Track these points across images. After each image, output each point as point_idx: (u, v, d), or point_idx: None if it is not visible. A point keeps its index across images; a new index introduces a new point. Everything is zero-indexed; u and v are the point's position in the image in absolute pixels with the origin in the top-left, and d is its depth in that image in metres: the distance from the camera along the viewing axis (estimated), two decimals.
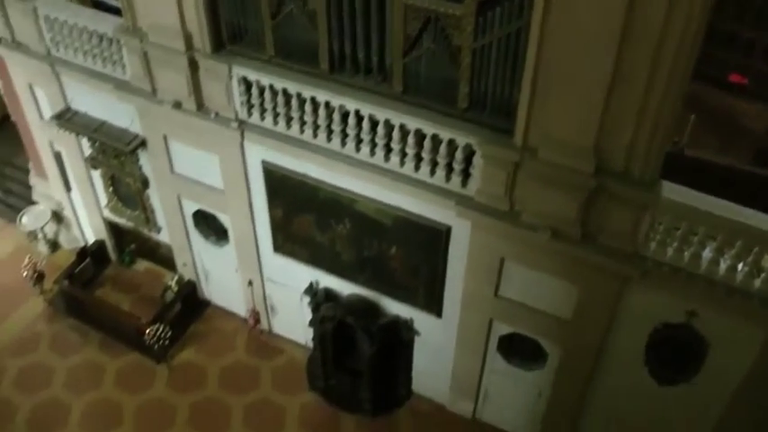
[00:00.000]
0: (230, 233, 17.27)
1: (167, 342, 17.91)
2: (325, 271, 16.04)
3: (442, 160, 12.41)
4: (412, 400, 17.32)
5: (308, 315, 16.70)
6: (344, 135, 13.22)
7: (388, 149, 12.89)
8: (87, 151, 17.90)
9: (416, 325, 15.68)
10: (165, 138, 16.00)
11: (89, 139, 17.19)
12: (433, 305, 14.99)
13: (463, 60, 11.34)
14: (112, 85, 15.49)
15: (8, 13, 16.42)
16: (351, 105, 12.68)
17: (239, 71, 13.57)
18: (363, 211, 14.22)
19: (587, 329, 13.13)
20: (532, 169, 11.44)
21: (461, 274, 13.98)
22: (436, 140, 12.22)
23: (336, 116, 12.99)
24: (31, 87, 17.96)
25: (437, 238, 13.67)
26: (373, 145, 12.99)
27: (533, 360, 14.88)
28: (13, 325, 19.71)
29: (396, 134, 12.53)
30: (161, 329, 17.69)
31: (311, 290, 16.51)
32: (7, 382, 18.36)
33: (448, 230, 13.48)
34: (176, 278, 19.48)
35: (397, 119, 12.34)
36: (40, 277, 19.81)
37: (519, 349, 14.88)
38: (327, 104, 12.95)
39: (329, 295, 16.34)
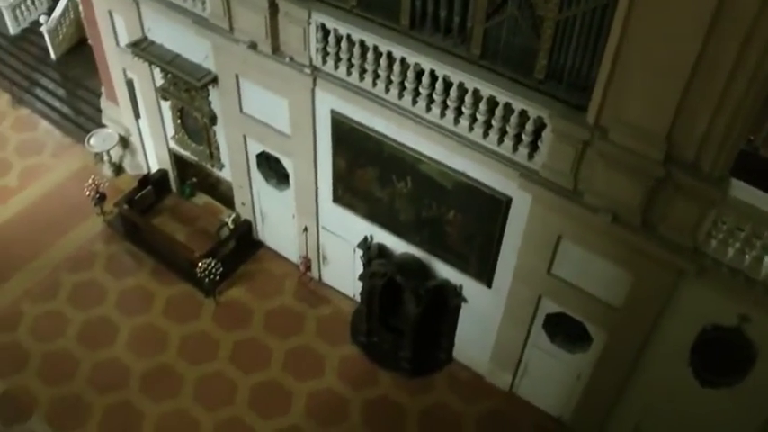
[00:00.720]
0: (291, 178, 17.59)
1: (218, 278, 18.46)
2: (381, 227, 16.28)
3: (511, 130, 12.45)
4: (451, 365, 17.59)
5: (359, 269, 17.02)
6: (416, 93, 13.32)
7: (459, 113, 12.96)
8: (159, 82, 18.36)
9: (465, 292, 15.87)
10: (236, 77, 16.31)
11: (162, 70, 17.62)
12: (484, 274, 15.14)
13: (545, 31, 11.30)
14: (191, 19, 15.83)
15: None
16: (426, 65, 12.74)
17: (318, 18, 13.71)
18: (426, 171, 14.36)
19: (636, 319, 13.14)
20: (601, 150, 11.41)
21: (516, 247, 14.08)
22: (508, 109, 12.25)
23: (411, 74, 13.08)
24: (110, 14, 18.43)
25: (497, 207, 13.77)
26: (444, 107, 13.06)
27: (577, 342, 14.96)
28: (72, 241, 20.53)
29: (468, 98, 12.59)
30: (213, 264, 18.22)
31: (365, 244, 16.79)
32: (62, 296, 19.24)
33: (508, 201, 13.57)
34: (233, 216, 19.97)
35: (471, 83, 12.38)
36: (101, 198, 20.55)
37: (564, 329, 14.97)
38: (403, 61, 13.03)
39: (382, 251, 16.59)
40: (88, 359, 17.88)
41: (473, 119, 12.80)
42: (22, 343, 18.25)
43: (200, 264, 18.21)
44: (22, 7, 26.79)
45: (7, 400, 17.21)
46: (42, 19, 25.03)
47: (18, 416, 16.93)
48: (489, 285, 15.29)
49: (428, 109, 13.28)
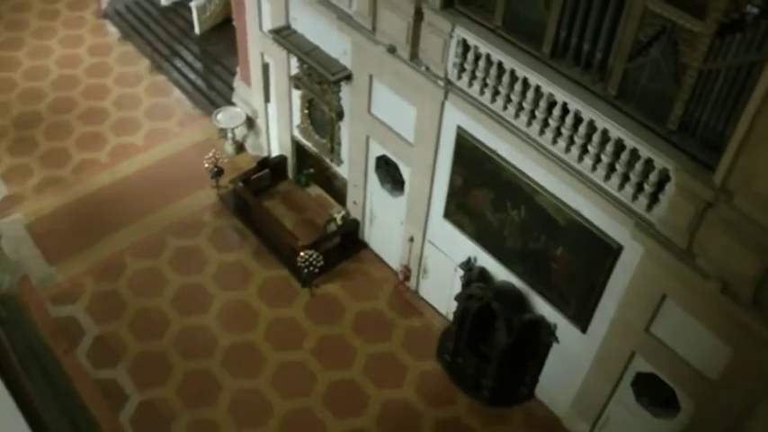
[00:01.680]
0: (407, 186, 17.96)
1: (317, 270, 19.02)
2: (486, 250, 16.44)
3: (634, 177, 12.39)
4: (531, 402, 17.58)
5: (457, 288, 17.22)
6: (545, 124, 13.43)
7: (584, 150, 12.99)
8: (294, 71, 19.09)
9: (558, 332, 15.87)
10: (370, 77, 16.81)
11: (299, 59, 18.31)
12: (581, 318, 15.11)
13: (686, 80, 11.22)
14: (336, 14, 16.43)
15: None
16: (560, 96, 12.84)
17: (461, 33, 13.97)
18: (541, 203, 14.46)
19: (730, 396, 12.78)
20: (723, 214, 11.26)
21: (618, 297, 13.98)
22: (634, 155, 12.21)
23: (543, 103, 13.21)
24: None
25: (606, 253, 13.73)
26: (570, 141, 13.13)
27: (664, 407, 14.63)
28: (184, 208, 21.61)
29: (596, 137, 12.62)
30: (315, 256, 18.79)
31: (467, 264, 16.97)
32: (164, 257, 20.32)
33: (619, 249, 13.49)
34: (343, 213, 20.53)
35: (601, 122, 12.41)
36: (219, 172, 21.51)
37: (652, 391, 14.72)
38: (538, 89, 13.17)
39: (483, 275, 16.75)
40: (178, 322, 18.81)
41: (597, 158, 12.83)
42: (121, 293, 19.41)
43: (302, 253, 18.81)
44: None
45: (99, 343, 18.36)
46: None
47: (106, 361, 18.03)
48: (584, 330, 15.24)
49: (554, 141, 13.38)
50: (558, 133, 13.30)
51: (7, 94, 25.40)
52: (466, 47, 14.14)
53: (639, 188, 12.50)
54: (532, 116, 13.57)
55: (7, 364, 6.11)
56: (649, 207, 12.47)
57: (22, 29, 28.20)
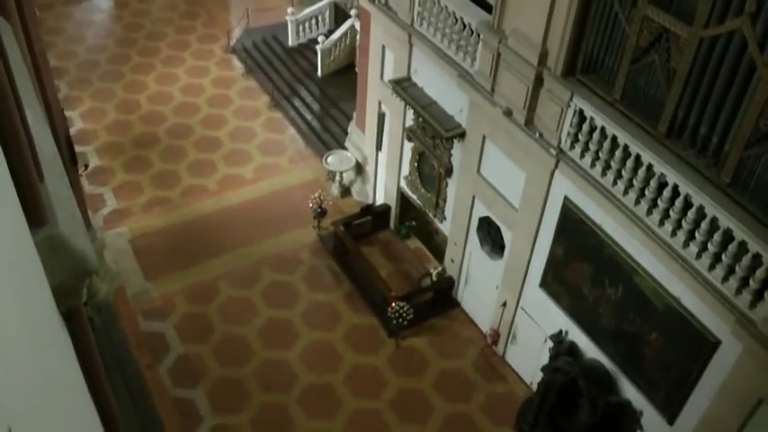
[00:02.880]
0: (506, 250, 18.13)
1: (406, 322, 19.29)
2: (579, 325, 16.40)
3: (740, 270, 12.22)
4: None
5: (545, 359, 17.17)
6: (653, 204, 13.45)
7: (691, 236, 12.93)
8: (409, 122, 19.66)
9: (644, 419, 15.57)
10: (483, 137, 17.19)
11: (415, 112, 18.87)
12: (670, 409, 14.80)
13: None
14: (457, 72, 16.94)
15: None
16: (672, 178, 12.88)
17: (579, 103, 14.24)
18: (640, 285, 14.39)
19: None
20: None
21: (711, 393, 13.65)
22: (742, 248, 12.08)
23: (653, 182, 13.25)
24: (383, 48, 20.06)
25: (703, 345, 13.48)
26: (677, 226, 13.08)
27: None
28: (283, 243, 22.33)
29: (704, 224, 12.55)
30: (405, 308, 19.09)
31: (558, 337, 16.95)
32: (257, 289, 21.02)
33: (716, 343, 13.22)
34: (439, 269, 20.82)
35: (711, 210, 12.37)
36: (322, 213, 22.18)
37: None
38: (650, 168, 13.25)
39: (572, 350, 16.68)
40: (262, 354, 19.37)
41: (703, 246, 12.72)
42: (210, 317, 20.15)
43: (393, 304, 19.14)
44: (306, 24, 29.68)
45: (182, 362, 19.08)
46: (320, 39, 27.66)
47: (186, 380, 18.71)
48: (671, 422, 14.91)
49: (661, 223, 13.37)
50: (665, 215, 13.29)
51: (131, 114, 26.94)
52: (582, 117, 14.37)
53: (744, 283, 12.30)
54: (641, 195, 13.62)
55: (93, 368, 6.57)
56: (753, 304, 12.24)
57: (154, 56, 29.99)
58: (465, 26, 16.76)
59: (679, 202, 12.90)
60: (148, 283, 20.90)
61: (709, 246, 12.61)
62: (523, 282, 17.76)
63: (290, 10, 29.74)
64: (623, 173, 13.84)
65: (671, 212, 13.13)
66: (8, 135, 4.17)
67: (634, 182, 13.66)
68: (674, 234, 13.19)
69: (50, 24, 31.30)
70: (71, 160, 15.19)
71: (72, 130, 22.58)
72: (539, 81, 14.91)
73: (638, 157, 13.43)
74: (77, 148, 17.89)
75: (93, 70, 29.14)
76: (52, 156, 5.86)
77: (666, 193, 13.08)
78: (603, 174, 14.28)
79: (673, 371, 14.42)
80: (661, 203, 13.27)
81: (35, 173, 4.67)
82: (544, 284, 17.07)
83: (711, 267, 12.71)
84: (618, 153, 13.81)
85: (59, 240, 4.83)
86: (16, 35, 8.59)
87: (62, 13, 32.67)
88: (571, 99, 14.35)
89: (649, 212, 13.55)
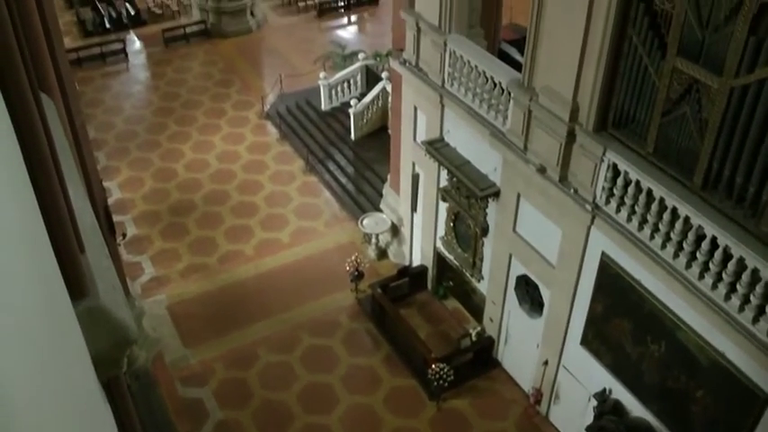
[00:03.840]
0: (546, 308, 18.07)
1: (446, 384, 19.19)
2: (623, 383, 16.22)
3: None
4: None
5: (589, 418, 16.99)
6: (692, 257, 13.39)
7: (732, 288, 12.81)
8: (443, 183, 19.83)
9: None
10: (518, 195, 17.29)
11: (449, 172, 19.04)
12: None
13: None
14: (489, 131, 17.14)
15: (420, 40, 18.82)
16: (710, 230, 12.84)
17: (612, 157, 14.32)
18: (684, 340, 14.25)
19: None
20: None
21: None
22: None
23: (691, 235, 13.21)
24: (415, 110, 20.37)
25: (751, 402, 13.25)
26: (718, 278, 12.98)
27: None
28: (321, 307, 22.46)
29: (745, 276, 12.46)
30: (446, 370, 19.02)
31: (602, 396, 16.76)
32: (296, 353, 21.11)
33: (766, 400, 13.03)
34: (478, 329, 20.76)
35: (751, 261, 12.28)
36: (359, 276, 22.29)
37: None
38: (687, 220, 13.23)
39: (617, 408, 16.46)
40: (302, 419, 19.38)
41: (746, 299, 12.62)
42: (249, 383, 20.22)
43: (434, 366, 19.08)
44: (338, 88, 30.22)
45: (221, 429, 19.14)
46: (353, 102, 28.11)
47: None
48: None
49: (701, 276, 13.28)
50: (705, 268, 13.21)
51: (168, 182, 27.47)
52: (616, 171, 14.42)
53: None
54: (680, 248, 13.57)
55: None
56: None
57: (191, 124, 30.67)
58: (495, 85, 17.01)
59: (718, 255, 12.82)
60: (187, 349, 21.09)
61: (751, 298, 12.49)
62: (564, 340, 17.65)
63: (322, 75, 30.32)
64: (660, 226, 13.83)
65: (710, 265, 13.04)
66: (51, 210, 4.35)
67: (671, 235, 13.63)
68: (714, 287, 13.09)
69: (90, 97, 32.19)
70: (109, 230, 15.53)
71: (110, 200, 23.12)
72: (571, 137, 15.05)
73: (674, 210, 13.43)
74: (115, 218, 18.31)
75: (130, 140, 29.84)
76: (92, 227, 6.05)
77: (705, 245, 13.02)
78: (640, 228, 14.27)
79: (721, 429, 14.17)
80: (700, 256, 13.20)
81: (76, 245, 4.84)
82: (585, 342, 16.95)
83: (755, 320, 12.57)
84: (654, 206, 13.82)
85: (100, 312, 4.97)
86: (58, 110, 8.90)
87: (101, 86, 33.61)
88: (604, 154, 14.44)
89: (688, 266, 13.47)
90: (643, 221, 14.21)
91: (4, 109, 3.42)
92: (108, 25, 38.36)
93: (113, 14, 38.98)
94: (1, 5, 3.46)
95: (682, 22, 12.42)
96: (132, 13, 39.22)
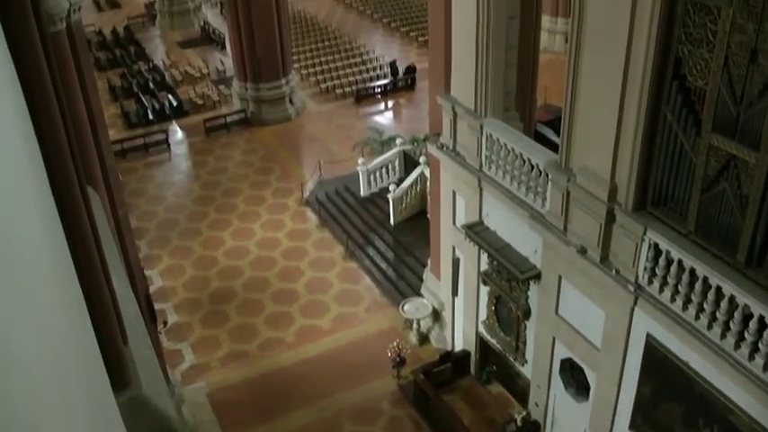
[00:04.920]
0: (592, 392, 17.80)
1: None
2: None
3: None
4: None
5: None
6: (740, 337, 13.18)
7: None
8: (483, 266, 19.85)
9: None
10: (559, 277, 17.25)
11: (489, 256, 19.10)
12: None
13: None
14: (528, 213, 17.24)
15: (457, 125, 19.14)
16: (756, 309, 12.67)
17: (653, 236, 14.28)
18: (737, 424, 13.88)
19: None
20: None
21: None
22: None
23: (737, 314, 13.04)
24: (454, 194, 20.59)
25: None
26: None
27: None
28: (363, 394, 22.35)
29: None
30: None
31: None
32: None
33: None
34: (524, 414, 20.48)
35: None
36: (401, 362, 22.22)
37: None
38: (732, 299, 13.08)
39: None
40: None
41: None
42: None
43: None
44: (377, 174, 30.65)
45: None
46: (391, 187, 28.48)
47: None
48: None
49: (751, 357, 13.04)
50: (754, 348, 12.98)
51: (208, 270, 27.83)
52: (657, 251, 14.36)
53: None
54: (726, 328, 13.37)
55: None
56: None
57: (231, 212, 31.22)
58: (533, 167, 17.18)
59: (767, 334, 12.67)
60: None
61: None
62: (612, 424, 17.31)
63: (360, 160, 30.83)
64: (705, 306, 13.65)
65: (760, 345, 12.83)
66: (96, 301, 4.53)
67: (717, 315, 13.45)
68: (766, 368, 12.86)
69: (133, 187, 33.01)
70: (151, 318, 15.77)
71: (151, 288, 23.40)
72: (611, 217, 15.07)
73: (718, 289, 13.29)
74: (156, 306, 18.57)
75: (171, 229, 30.41)
76: (135, 317, 6.23)
77: (753, 324, 12.82)
78: (685, 308, 14.12)
79: None
80: (748, 336, 12.97)
81: (120, 337, 5.00)
82: (634, 426, 16.62)
83: None
84: (697, 286, 13.68)
85: (142, 401, 5.10)
86: (102, 203, 9.22)
87: (144, 176, 34.50)
88: (645, 233, 14.41)
89: (737, 346, 13.25)
90: (687, 301, 14.06)
91: (54, 207, 3.62)
92: (151, 116, 39.59)
93: (156, 106, 40.22)
94: (53, 108, 3.69)
95: (715, 98, 12.56)
96: (174, 104, 40.41)
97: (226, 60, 45.03)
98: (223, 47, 48.33)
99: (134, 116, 39.68)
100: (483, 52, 17.92)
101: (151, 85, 43.03)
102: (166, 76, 44.85)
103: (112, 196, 11.90)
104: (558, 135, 16.57)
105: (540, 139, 19.66)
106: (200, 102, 40.96)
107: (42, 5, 9.23)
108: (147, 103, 40.47)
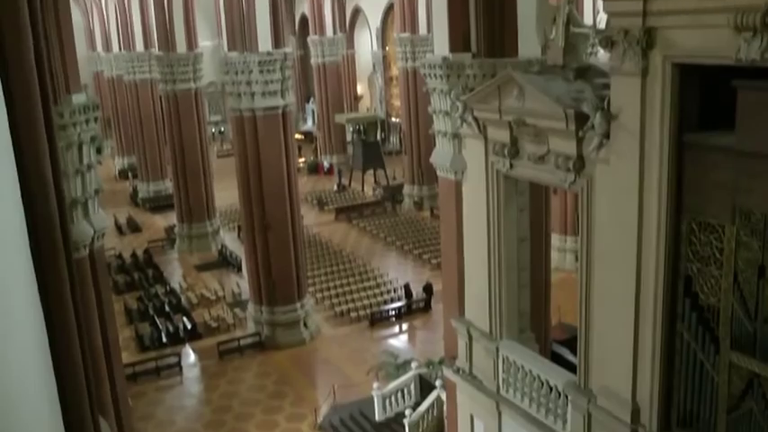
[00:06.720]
0: None
1: None
2: None
3: None
4: None
5: None
6: None
7: None
8: None
9: None
10: None
11: None
12: None
13: None
14: None
15: (472, 347, 19.21)
16: None
17: None
18: None
19: None
20: None
21: None
22: None
23: None
24: (471, 418, 20.21)
25: None
26: None
27: None
28: None
29: None
30: None
31: None
32: None
33: None
34: None
35: None
36: None
37: None
38: None
39: None
40: None
41: None
42: None
43: None
44: (392, 398, 30.31)
45: None
46: (407, 412, 28.04)
47: None
48: None
49: None
50: None
51: None
52: None
53: None
54: None
55: None
56: None
57: None
58: (551, 388, 17.01)
59: None
60: None
61: None
62: None
63: (375, 385, 30.54)
64: None
65: None
66: None
67: None
68: None
69: (141, 411, 32.56)
70: None
71: None
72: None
73: None
74: None
75: None
76: None
77: None
78: None
79: None
80: None
81: None
82: None
83: None
84: None
85: None
86: (111, 429, 9.19)
87: (154, 399, 34.12)
88: None
89: None
90: None
91: None
92: (165, 339, 39.73)
93: (171, 329, 40.46)
94: (74, 343, 3.82)
95: (730, 316, 12.64)
96: (189, 327, 40.67)
97: (242, 283, 45.72)
98: (239, 269, 49.20)
99: (148, 339, 39.86)
100: (495, 275, 18.24)
101: (167, 308, 43.49)
102: (182, 299, 45.38)
103: (121, 423, 11.84)
104: (575, 354, 16.53)
105: (557, 359, 19.56)
106: (214, 324, 41.23)
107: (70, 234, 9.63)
108: (161, 326, 40.77)
